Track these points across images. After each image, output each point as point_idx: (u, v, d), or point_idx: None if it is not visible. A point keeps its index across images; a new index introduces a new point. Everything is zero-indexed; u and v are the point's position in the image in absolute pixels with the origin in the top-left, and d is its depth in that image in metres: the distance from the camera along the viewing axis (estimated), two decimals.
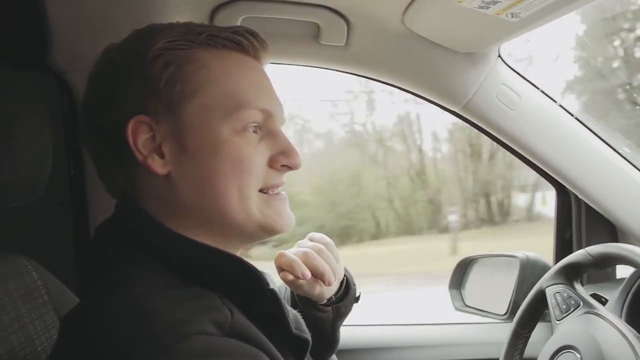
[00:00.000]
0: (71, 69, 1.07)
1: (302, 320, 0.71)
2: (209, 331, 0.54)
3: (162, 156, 0.65)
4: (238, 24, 1.03)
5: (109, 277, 0.61)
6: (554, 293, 1.06)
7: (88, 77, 0.69)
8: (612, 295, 1.16)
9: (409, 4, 0.99)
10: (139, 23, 0.98)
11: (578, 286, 1.06)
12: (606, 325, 0.94)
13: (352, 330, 1.36)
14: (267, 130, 0.69)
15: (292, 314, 0.69)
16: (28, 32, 1.01)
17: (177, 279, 0.61)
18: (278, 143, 0.69)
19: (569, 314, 1.01)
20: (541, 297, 1.09)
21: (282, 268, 0.76)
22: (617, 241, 1.35)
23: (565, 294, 1.04)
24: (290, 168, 0.70)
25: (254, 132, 0.67)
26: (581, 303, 1.01)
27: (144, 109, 0.64)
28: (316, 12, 1.05)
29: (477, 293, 1.53)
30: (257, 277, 0.64)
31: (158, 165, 0.64)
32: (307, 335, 0.68)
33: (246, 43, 0.69)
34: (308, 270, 0.75)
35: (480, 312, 1.49)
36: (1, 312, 0.73)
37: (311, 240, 0.83)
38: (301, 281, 0.76)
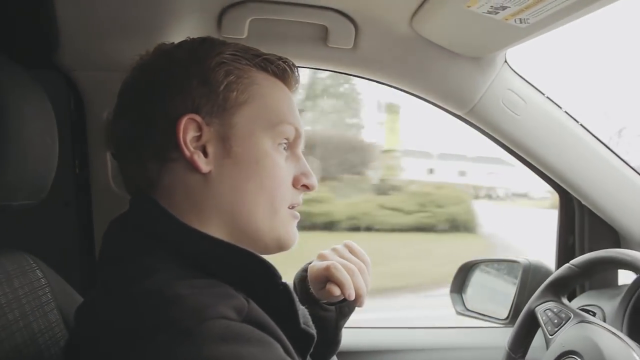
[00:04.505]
0: (78, 67, 1.07)
1: (309, 316, 0.71)
2: (228, 315, 0.55)
3: (205, 155, 0.68)
4: (246, 25, 1.03)
5: (125, 269, 0.63)
6: (544, 310, 1.06)
7: (135, 65, 0.72)
8: (612, 304, 1.15)
9: (418, 8, 0.99)
10: (146, 23, 1.00)
11: (565, 301, 1.06)
12: (603, 331, 0.94)
13: (353, 333, 1.36)
14: (292, 150, 0.75)
15: (301, 309, 0.70)
16: (36, 30, 1.01)
17: (192, 272, 0.62)
18: (300, 164, 0.75)
19: (563, 326, 1.01)
20: (532, 317, 1.09)
21: (331, 280, 0.79)
22: (619, 248, 1.34)
23: (556, 309, 1.04)
24: (308, 189, 0.75)
25: (284, 149, 0.73)
26: (572, 315, 1.01)
27: (198, 109, 0.68)
28: (324, 15, 1.05)
29: (478, 297, 1.53)
30: (270, 271, 0.65)
31: (202, 163, 0.67)
32: (314, 330, 0.69)
33: (290, 74, 0.76)
34: (354, 292, 0.79)
35: (481, 317, 1.49)
36: (6, 310, 0.73)
37: (350, 250, 0.85)
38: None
